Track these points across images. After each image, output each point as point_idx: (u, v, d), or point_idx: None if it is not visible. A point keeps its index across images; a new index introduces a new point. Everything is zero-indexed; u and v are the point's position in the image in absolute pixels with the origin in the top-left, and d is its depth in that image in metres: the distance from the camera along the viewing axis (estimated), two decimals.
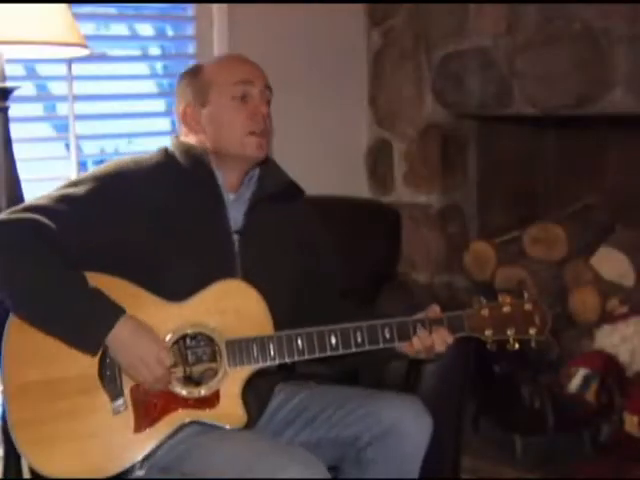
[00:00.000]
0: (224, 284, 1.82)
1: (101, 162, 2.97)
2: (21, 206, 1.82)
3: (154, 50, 3.02)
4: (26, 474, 2.20)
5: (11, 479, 2.24)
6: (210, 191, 1.89)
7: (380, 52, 3.36)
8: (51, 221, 1.76)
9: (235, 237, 1.90)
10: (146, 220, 1.82)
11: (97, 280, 1.78)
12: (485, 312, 1.87)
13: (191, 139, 1.93)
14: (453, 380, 2.15)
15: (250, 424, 1.84)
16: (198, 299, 1.80)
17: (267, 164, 1.98)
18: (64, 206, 1.79)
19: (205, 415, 1.77)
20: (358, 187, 3.39)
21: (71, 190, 1.83)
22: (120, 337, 1.72)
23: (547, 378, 2.84)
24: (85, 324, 1.72)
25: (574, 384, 2.78)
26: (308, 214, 2.07)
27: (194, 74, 1.95)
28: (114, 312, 1.73)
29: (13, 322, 1.77)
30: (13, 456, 2.24)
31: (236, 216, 1.91)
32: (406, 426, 1.82)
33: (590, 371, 2.77)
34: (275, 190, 1.95)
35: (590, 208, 3.31)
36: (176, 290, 1.80)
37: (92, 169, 1.95)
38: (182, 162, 1.89)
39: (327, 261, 2.07)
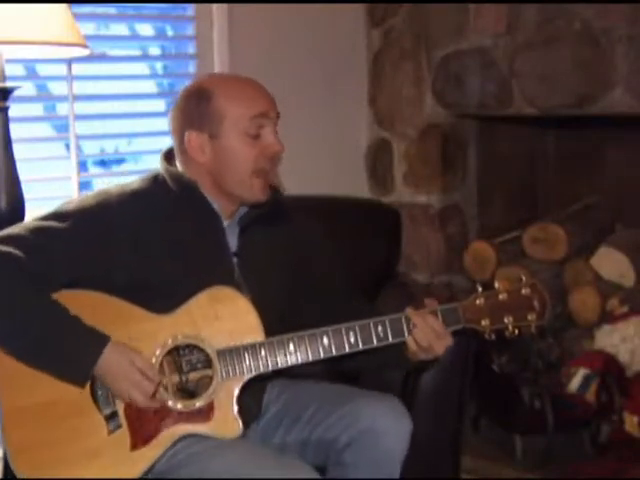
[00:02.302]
0: (212, 292, 1.78)
1: (101, 162, 3.00)
2: None
3: (154, 50, 3.02)
4: None
5: (11, 479, 2.24)
6: (206, 217, 1.86)
7: (380, 52, 3.36)
8: (28, 256, 1.70)
9: (234, 260, 1.88)
10: (135, 251, 1.76)
11: (85, 298, 1.75)
12: (481, 301, 1.81)
13: (188, 167, 1.86)
14: (453, 380, 2.15)
15: (249, 423, 1.84)
16: (187, 309, 1.77)
17: None
18: (43, 240, 1.73)
19: (200, 428, 1.75)
20: (358, 187, 3.38)
21: (52, 224, 1.76)
22: (104, 369, 1.70)
23: (547, 378, 2.84)
24: (70, 358, 1.70)
25: (574, 384, 2.78)
26: (303, 231, 2.02)
27: (202, 98, 1.82)
28: (98, 342, 1.70)
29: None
30: None
31: (231, 239, 1.89)
32: (383, 426, 1.80)
33: (590, 371, 2.77)
34: (260, 212, 1.91)
35: (590, 208, 3.32)
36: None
37: (77, 199, 1.87)
38: (174, 189, 1.84)
39: (327, 276, 2.03)
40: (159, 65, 3.08)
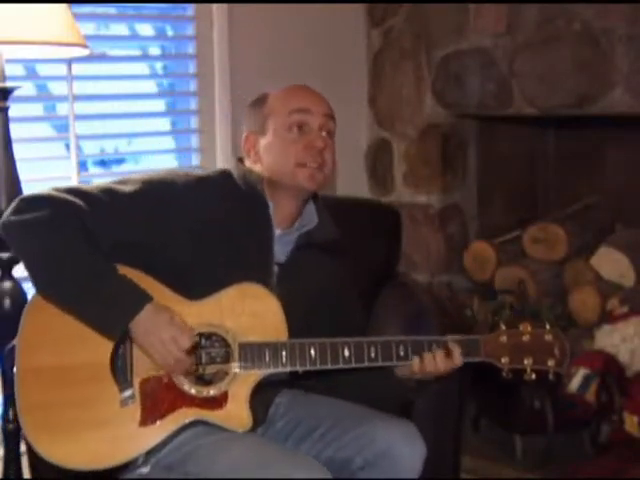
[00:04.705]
0: (243, 287, 1.81)
1: (101, 162, 3.00)
2: (65, 187, 1.81)
3: (154, 50, 3.02)
4: (26, 474, 2.20)
5: (11, 479, 2.24)
6: (261, 219, 1.89)
7: (380, 52, 3.37)
8: (89, 208, 1.76)
9: (275, 269, 1.90)
10: (187, 231, 1.81)
11: (123, 270, 1.78)
12: (504, 339, 1.84)
13: (254, 166, 1.93)
14: (453, 380, 2.15)
15: (255, 427, 1.84)
16: (216, 299, 1.80)
17: (319, 210, 1.98)
18: (106, 198, 1.79)
19: (211, 415, 1.76)
20: (358, 187, 3.39)
21: (118, 186, 1.83)
22: (144, 323, 1.71)
23: (547, 378, 2.83)
24: (111, 307, 1.72)
25: (574, 384, 2.78)
26: (347, 269, 2.06)
27: (259, 102, 1.94)
28: (141, 298, 1.72)
29: (31, 306, 1.79)
30: (13, 456, 2.25)
31: (278, 250, 1.91)
32: (399, 450, 1.80)
33: (590, 371, 2.77)
34: (321, 242, 1.96)
35: (590, 208, 3.32)
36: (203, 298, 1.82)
37: (142, 174, 1.93)
38: (240, 186, 1.89)
39: (354, 313, 2.07)
40: (159, 65, 3.08)
